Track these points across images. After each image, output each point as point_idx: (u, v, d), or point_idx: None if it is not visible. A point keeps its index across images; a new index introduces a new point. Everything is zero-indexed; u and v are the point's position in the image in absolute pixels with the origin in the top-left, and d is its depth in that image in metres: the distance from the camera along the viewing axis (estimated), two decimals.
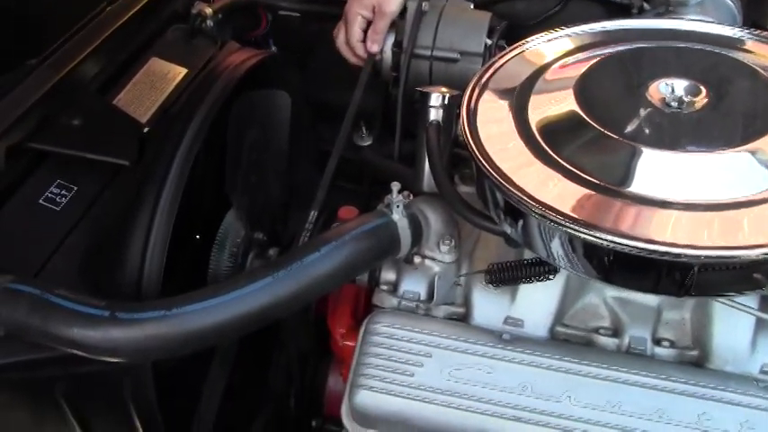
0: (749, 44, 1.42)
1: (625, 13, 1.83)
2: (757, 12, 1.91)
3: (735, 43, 1.41)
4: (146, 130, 1.46)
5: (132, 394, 1.39)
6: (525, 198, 1.16)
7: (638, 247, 1.09)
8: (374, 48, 1.68)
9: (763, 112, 1.24)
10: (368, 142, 1.89)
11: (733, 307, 1.25)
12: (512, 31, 1.73)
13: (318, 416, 1.59)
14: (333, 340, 1.48)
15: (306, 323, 1.50)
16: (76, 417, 1.37)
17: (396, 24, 1.69)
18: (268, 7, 1.96)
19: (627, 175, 1.17)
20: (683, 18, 1.60)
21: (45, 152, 1.43)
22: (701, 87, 1.26)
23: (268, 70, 1.67)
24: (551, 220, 1.13)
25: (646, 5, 1.80)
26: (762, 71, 1.30)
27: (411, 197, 1.36)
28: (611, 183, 1.16)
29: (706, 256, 1.07)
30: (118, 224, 1.40)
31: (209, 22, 1.71)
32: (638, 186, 1.16)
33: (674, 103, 1.25)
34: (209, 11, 1.72)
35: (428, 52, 1.65)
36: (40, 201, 1.40)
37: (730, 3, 1.69)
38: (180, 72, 1.61)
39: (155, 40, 1.66)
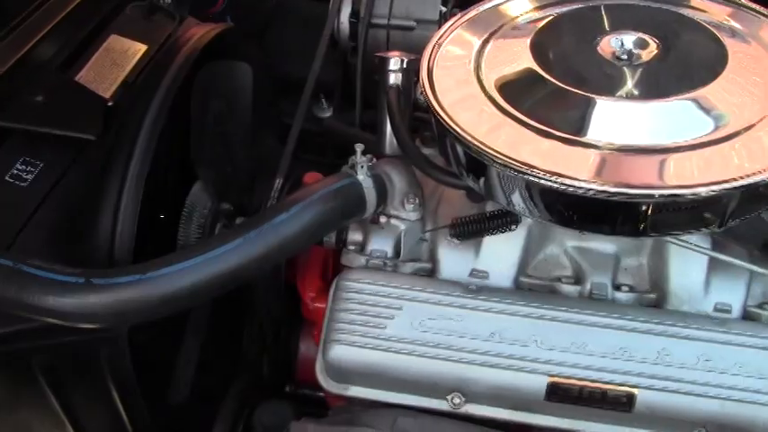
0: (696, 1, 1.52)
1: None
2: None
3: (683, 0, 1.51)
4: (110, 104, 1.51)
5: (109, 363, 1.44)
6: (486, 149, 1.24)
7: (596, 190, 1.17)
8: None
9: (708, 62, 1.33)
10: (328, 113, 1.97)
11: (687, 248, 1.35)
12: None
13: (292, 381, 1.66)
14: (303, 304, 1.55)
15: (276, 287, 1.57)
16: (53, 389, 1.42)
17: None
18: None
19: (582, 124, 1.26)
20: None
21: (9, 129, 1.47)
22: (650, 41, 1.35)
23: (228, 42, 1.73)
24: (513, 169, 1.21)
25: None
26: (707, 25, 1.40)
27: (374, 160, 1.44)
28: (568, 132, 1.25)
29: (659, 195, 1.17)
30: (86, 198, 1.45)
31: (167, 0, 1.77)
32: (593, 134, 1.25)
33: (625, 56, 1.34)
34: None
35: (385, 21, 1.73)
36: (6, 177, 1.43)
37: None
38: (140, 48, 1.66)
39: (114, 18, 1.70)
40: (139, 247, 1.44)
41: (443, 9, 1.74)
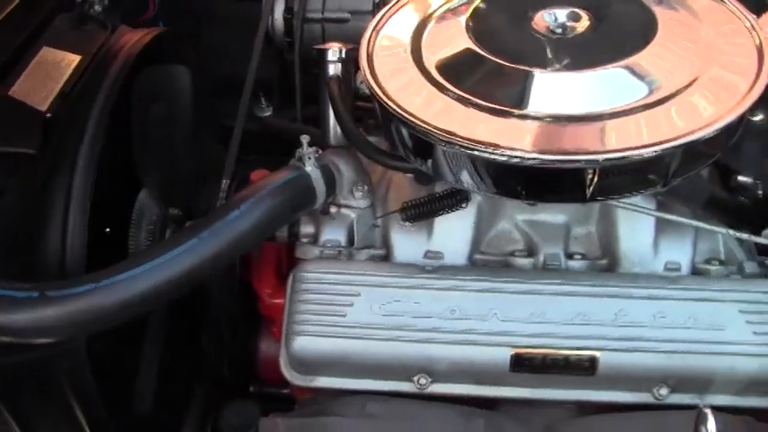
0: None
1: None
2: None
3: None
4: (48, 116, 1.50)
5: (69, 378, 1.44)
6: (432, 129, 1.27)
7: (541, 159, 1.21)
8: None
9: (639, 30, 1.38)
10: (268, 113, 1.98)
11: (634, 210, 1.40)
12: None
13: (255, 381, 1.67)
14: (260, 301, 1.57)
15: (231, 286, 1.58)
16: (13, 414, 1.41)
17: None
18: None
19: (523, 98, 1.30)
20: None
21: None
22: (582, 14, 1.40)
23: (164, 46, 1.74)
24: (459, 146, 1.24)
25: None
26: None
27: (320, 151, 1.46)
28: (510, 106, 1.29)
29: (604, 159, 1.20)
30: (30, 213, 1.44)
31: (97, 8, 1.76)
32: (534, 106, 1.29)
33: (559, 30, 1.38)
34: None
35: (319, 15, 1.76)
36: None
37: None
38: (74, 59, 1.66)
39: (43, 31, 1.70)
40: (90, 259, 1.45)
41: None
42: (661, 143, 1.21)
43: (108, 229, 1.64)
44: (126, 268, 1.25)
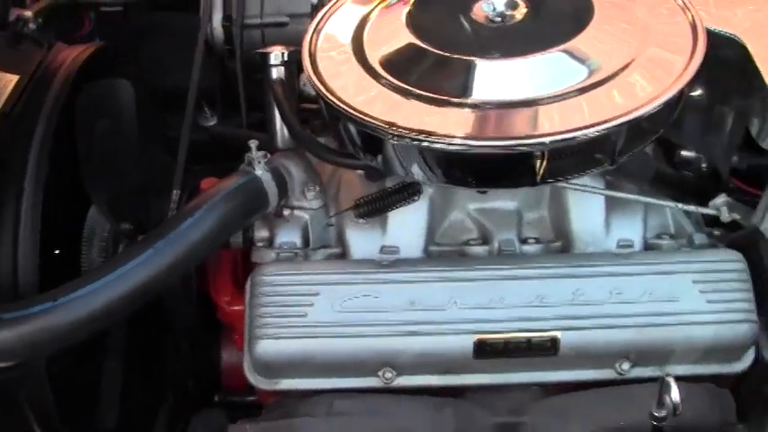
0: None
1: None
2: None
3: None
4: None
5: (30, 401, 1.43)
6: (380, 123, 1.29)
7: (490, 146, 1.24)
8: None
9: (576, 15, 1.41)
10: (212, 122, 1.98)
11: (583, 191, 1.43)
12: None
13: (219, 391, 1.67)
14: (220, 310, 1.57)
15: (189, 296, 1.58)
16: None
17: None
18: (89, 5, 2.02)
19: (468, 87, 1.32)
20: None
21: None
22: (520, 1, 1.42)
23: (104, 61, 1.73)
24: (408, 138, 1.26)
25: None
26: None
27: (269, 155, 1.47)
28: (456, 96, 1.31)
29: (552, 141, 1.23)
30: None
31: (31, 26, 1.75)
32: (479, 94, 1.31)
33: (498, 18, 1.41)
34: (28, 14, 1.75)
35: (258, 20, 1.77)
36: None
37: None
38: (11, 79, 1.64)
39: None
40: (42, 280, 1.44)
41: (314, 1, 1.78)
42: (605, 122, 1.25)
43: (59, 250, 1.63)
44: (82, 285, 1.26)
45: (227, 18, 1.78)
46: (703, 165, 1.56)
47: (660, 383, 1.20)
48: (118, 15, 2.01)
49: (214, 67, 1.85)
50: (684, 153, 1.56)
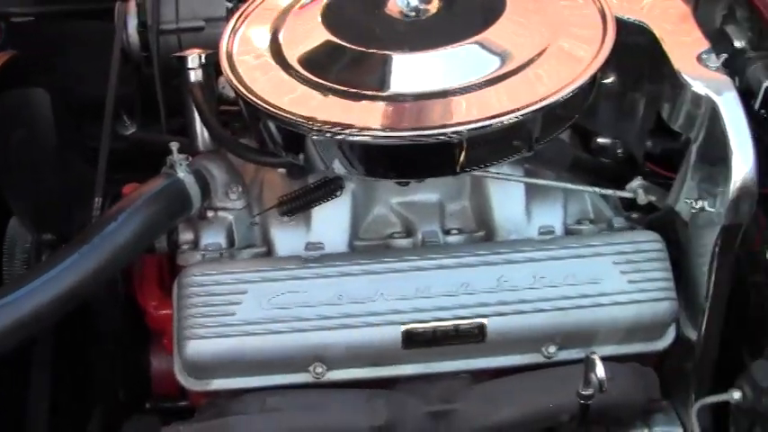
0: None
1: None
2: None
3: None
4: None
5: None
6: (301, 120, 1.30)
7: (410, 136, 1.27)
8: None
9: (489, 7, 1.44)
10: (132, 130, 1.98)
11: (503, 179, 1.46)
12: None
13: (150, 397, 1.67)
14: (147, 315, 1.57)
15: (116, 301, 1.58)
16: None
17: (137, 5, 1.78)
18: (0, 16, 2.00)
19: (385, 80, 1.34)
20: None
21: None
22: None
23: (17, 71, 1.72)
24: (328, 132, 1.28)
25: None
26: None
27: (191, 158, 1.48)
28: (374, 89, 1.33)
29: (470, 130, 1.26)
30: None
31: None
32: (396, 87, 1.33)
33: (412, 13, 1.43)
34: None
35: (173, 26, 1.76)
36: None
37: None
38: None
39: None
40: None
41: (229, 5, 1.79)
42: (520, 109, 1.28)
43: None
44: (8, 292, 1.24)
45: (142, 24, 1.77)
46: (619, 150, 1.61)
47: (585, 362, 1.24)
48: (30, 25, 1.99)
49: (131, 74, 1.85)
50: (600, 140, 1.61)
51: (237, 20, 1.53)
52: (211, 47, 1.55)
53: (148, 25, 1.75)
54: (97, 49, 1.82)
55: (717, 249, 1.37)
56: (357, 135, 1.27)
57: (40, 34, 2.00)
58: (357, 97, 1.32)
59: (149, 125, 1.92)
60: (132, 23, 1.78)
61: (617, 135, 1.60)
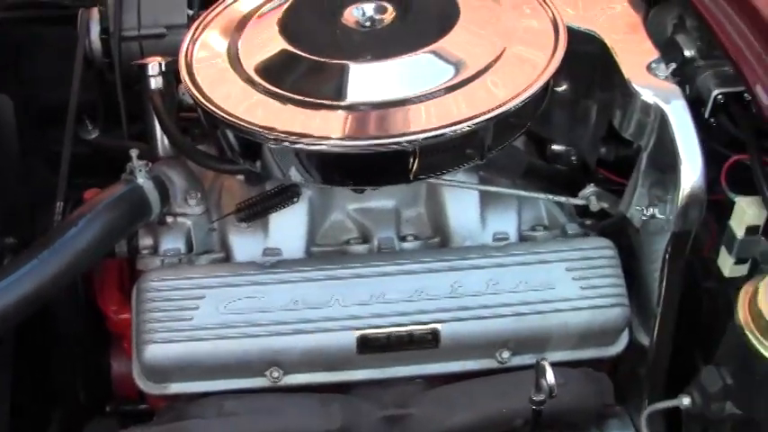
0: None
1: None
2: None
3: None
4: None
5: None
6: (257, 129, 1.32)
7: (365, 145, 1.29)
8: None
9: (443, 16, 1.47)
10: (94, 135, 1.99)
11: (458, 186, 1.49)
12: None
13: (111, 400, 1.69)
14: (108, 319, 1.59)
15: (76, 305, 1.60)
16: None
17: (99, 12, 1.80)
18: None
19: (341, 89, 1.37)
20: None
21: None
22: (388, 5, 1.48)
23: None
24: (285, 141, 1.30)
25: None
26: None
27: (150, 165, 1.50)
28: (330, 98, 1.35)
29: (424, 138, 1.29)
30: None
31: None
32: (352, 96, 1.36)
33: (368, 23, 1.46)
34: None
35: (135, 33, 1.78)
36: None
37: None
38: None
39: None
40: None
41: (190, 12, 1.81)
42: (472, 118, 1.30)
43: None
44: None
45: (104, 31, 1.79)
46: (573, 157, 1.64)
47: (536, 368, 1.27)
48: None
49: (94, 79, 1.86)
50: (555, 147, 1.65)
51: (197, 28, 1.55)
52: (173, 53, 1.57)
53: (110, 32, 1.77)
54: (60, 55, 1.83)
55: (667, 256, 1.41)
56: (312, 144, 1.30)
57: (4, 39, 2.01)
58: (313, 106, 1.35)
59: (112, 130, 1.93)
60: (95, 30, 1.80)
61: (570, 142, 1.64)
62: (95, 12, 1.80)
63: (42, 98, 1.93)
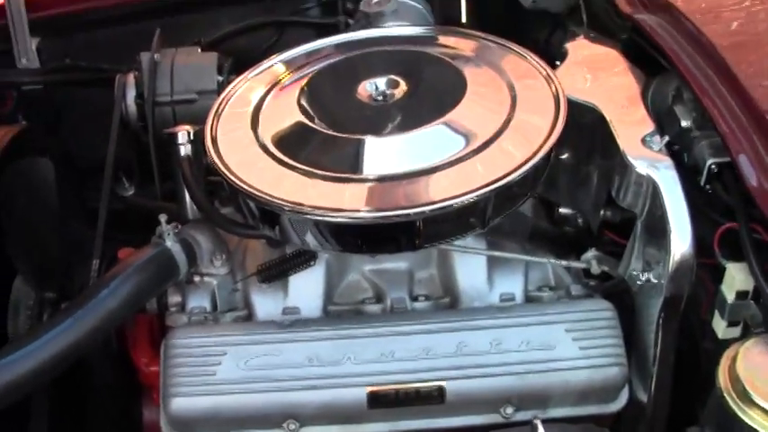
0: (440, 39, 1.83)
1: (333, 31, 2.19)
2: (451, 8, 2.40)
3: (424, 40, 1.82)
4: None
5: None
6: (274, 200, 1.47)
7: (375, 217, 1.43)
8: None
9: (451, 90, 1.60)
10: (131, 192, 2.16)
11: (466, 252, 1.62)
12: (239, 64, 2.04)
13: None
14: (139, 371, 1.74)
15: (110, 358, 1.75)
16: None
17: (135, 78, 1.96)
18: (11, 85, 2.19)
19: (356, 163, 1.51)
20: (381, 26, 1.97)
21: None
22: (400, 80, 1.63)
23: (26, 140, 1.90)
24: (300, 213, 1.44)
25: (350, 20, 2.17)
26: (446, 58, 1.69)
27: (179, 227, 1.65)
28: (344, 171, 1.50)
29: (430, 210, 1.42)
30: None
31: None
32: (366, 169, 1.50)
33: (381, 98, 1.61)
34: None
35: (168, 98, 1.95)
36: None
37: (420, 6, 2.07)
38: None
39: None
40: None
41: (220, 78, 1.97)
42: (475, 190, 1.42)
43: None
44: (11, 351, 1.42)
45: (139, 96, 1.96)
46: (579, 220, 1.76)
47: (530, 427, 1.39)
48: (38, 93, 2.18)
49: (129, 140, 2.03)
50: (562, 210, 1.77)
51: (222, 100, 1.71)
52: (203, 117, 1.72)
53: (145, 97, 1.94)
54: (99, 116, 2.00)
55: (660, 319, 1.52)
56: (326, 216, 1.43)
57: (47, 101, 2.18)
58: (327, 179, 1.48)
59: (146, 186, 2.10)
60: (131, 95, 1.97)
61: (575, 206, 1.76)
62: (131, 77, 1.98)
63: (81, 156, 2.10)
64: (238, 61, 2.05)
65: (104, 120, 1.97)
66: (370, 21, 2.02)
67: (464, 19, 2.55)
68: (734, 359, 1.34)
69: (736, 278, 1.48)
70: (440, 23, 2.20)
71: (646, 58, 1.73)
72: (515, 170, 1.46)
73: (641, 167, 1.50)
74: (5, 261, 1.81)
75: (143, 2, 2.32)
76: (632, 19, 1.79)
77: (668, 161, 1.51)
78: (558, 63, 1.76)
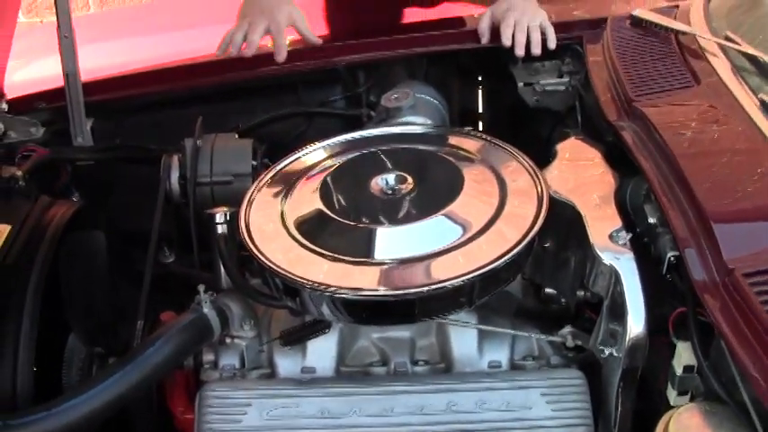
0: (444, 137, 2.33)
1: (357, 121, 2.68)
2: (469, 101, 2.90)
3: (431, 138, 2.31)
4: None
5: None
6: (297, 278, 1.93)
7: (377, 296, 1.88)
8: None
9: (451, 185, 2.08)
10: (171, 259, 2.62)
11: (458, 325, 2.06)
12: (272, 149, 2.52)
13: None
14: (175, 419, 2.19)
15: (150, 406, 2.20)
16: None
17: (179, 160, 2.44)
18: (67, 161, 2.66)
19: (368, 248, 1.96)
20: (399, 121, 2.47)
21: None
22: (407, 176, 2.10)
23: (84, 216, 2.36)
24: (318, 290, 1.90)
25: (372, 113, 2.65)
26: (449, 158, 2.18)
27: (215, 295, 2.11)
28: (357, 256, 1.95)
29: (426, 291, 1.87)
30: None
31: (21, 183, 2.36)
32: (376, 254, 1.95)
33: (390, 191, 2.08)
34: (18, 173, 2.37)
35: (208, 179, 2.42)
36: None
37: (436, 102, 2.54)
38: (4, 228, 2.24)
39: None
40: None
41: (254, 163, 2.44)
42: (462, 276, 1.87)
43: (44, 370, 2.24)
44: (70, 398, 1.85)
45: (182, 176, 2.43)
46: (562, 299, 2.19)
47: None
48: (91, 168, 2.66)
49: (172, 213, 2.49)
50: (547, 290, 2.19)
51: (256, 186, 2.18)
52: (238, 197, 2.20)
53: (188, 178, 2.40)
54: (145, 191, 2.47)
55: (620, 387, 1.95)
56: (338, 293, 1.88)
57: (98, 175, 2.65)
58: (341, 261, 1.94)
59: (185, 255, 2.56)
60: (175, 175, 2.43)
61: (556, 287, 2.18)
62: (176, 159, 2.45)
63: (128, 226, 2.56)
64: (271, 147, 2.53)
65: (149, 194, 2.43)
66: (390, 114, 2.50)
67: (480, 110, 3.05)
68: (667, 424, 1.76)
69: (683, 355, 1.87)
70: (460, 113, 2.68)
71: (626, 159, 2.18)
72: (496, 260, 1.90)
73: (606, 258, 1.93)
74: (62, 321, 2.25)
75: (186, 90, 2.81)
76: (613, 126, 2.26)
77: (630, 254, 1.94)
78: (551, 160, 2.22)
